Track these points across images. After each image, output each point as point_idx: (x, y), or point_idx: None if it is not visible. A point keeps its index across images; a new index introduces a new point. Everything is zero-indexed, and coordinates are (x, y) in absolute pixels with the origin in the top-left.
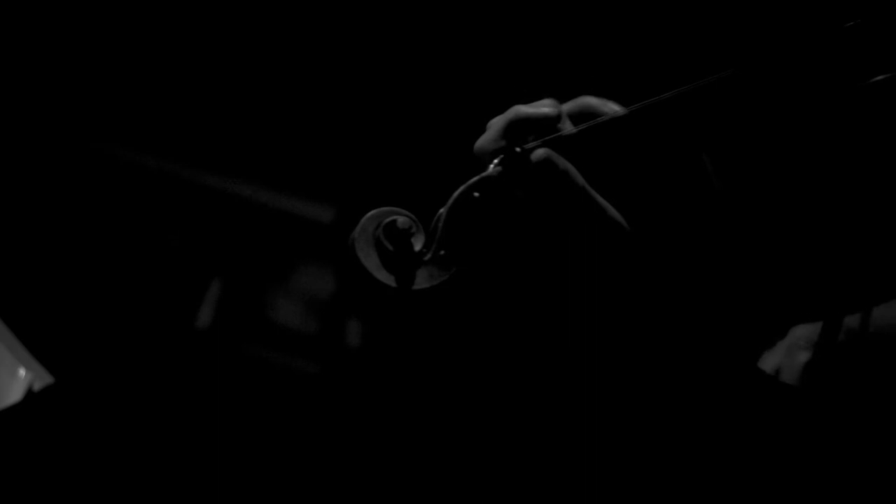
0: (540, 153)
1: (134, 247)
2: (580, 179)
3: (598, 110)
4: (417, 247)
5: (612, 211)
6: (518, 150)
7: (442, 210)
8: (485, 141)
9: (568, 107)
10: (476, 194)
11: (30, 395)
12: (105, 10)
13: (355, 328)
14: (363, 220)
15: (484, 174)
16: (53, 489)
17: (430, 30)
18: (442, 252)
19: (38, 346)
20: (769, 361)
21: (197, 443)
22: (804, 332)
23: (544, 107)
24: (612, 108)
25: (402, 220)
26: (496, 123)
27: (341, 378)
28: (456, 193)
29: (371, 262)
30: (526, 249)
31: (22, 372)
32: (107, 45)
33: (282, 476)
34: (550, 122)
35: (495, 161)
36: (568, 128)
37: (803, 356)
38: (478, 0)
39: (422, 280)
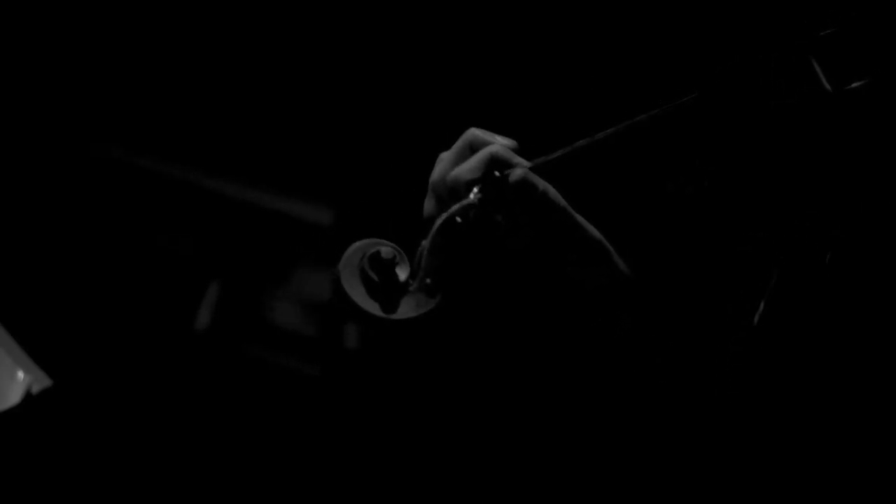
0: (518, 174)
1: (132, 249)
2: (560, 199)
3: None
4: (402, 276)
5: (593, 230)
6: (497, 174)
7: (425, 240)
8: (463, 171)
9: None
10: (458, 220)
11: (28, 397)
12: (105, 10)
13: (354, 330)
14: (347, 251)
15: (465, 202)
16: (52, 491)
17: (429, 30)
18: (427, 280)
19: (36, 349)
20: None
21: (196, 444)
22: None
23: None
24: (500, 140)
25: (385, 251)
26: (475, 158)
27: (341, 379)
28: (438, 221)
29: (357, 293)
30: (508, 271)
31: (20, 375)
32: (107, 45)
33: (281, 477)
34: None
35: (475, 189)
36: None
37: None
38: (477, 3)
39: (408, 309)
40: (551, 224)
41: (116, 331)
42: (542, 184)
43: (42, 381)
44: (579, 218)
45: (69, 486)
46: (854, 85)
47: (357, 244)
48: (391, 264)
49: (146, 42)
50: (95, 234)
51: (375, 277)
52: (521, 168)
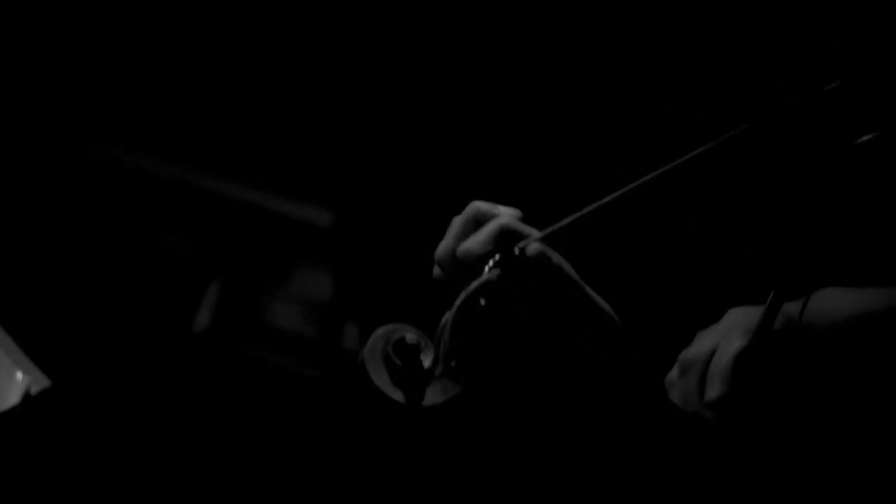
0: (535, 248)
1: (131, 249)
2: (573, 273)
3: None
4: (427, 363)
5: (602, 303)
6: (517, 250)
7: (446, 317)
8: (474, 245)
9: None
10: (482, 301)
11: (27, 398)
12: (105, 10)
13: (354, 331)
14: (372, 338)
15: (484, 279)
16: (51, 492)
17: (428, 31)
18: (452, 363)
19: (35, 350)
20: (703, 342)
21: (195, 445)
22: (742, 317)
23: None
24: (503, 210)
25: (410, 337)
26: (485, 231)
27: (340, 380)
28: (458, 302)
29: (382, 380)
30: (521, 343)
31: (19, 375)
32: (107, 45)
33: (281, 478)
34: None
35: (490, 263)
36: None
37: (738, 342)
38: (477, 5)
39: (434, 396)
40: (564, 297)
41: (116, 331)
42: (556, 257)
43: (41, 382)
44: (590, 290)
45: (69, 486)
46: (863, 139)
47: (381, 330)
48: (416, 350)
49: (146, 42)
50: (95, 234)
51: (400, 364)
52: (536, 242)
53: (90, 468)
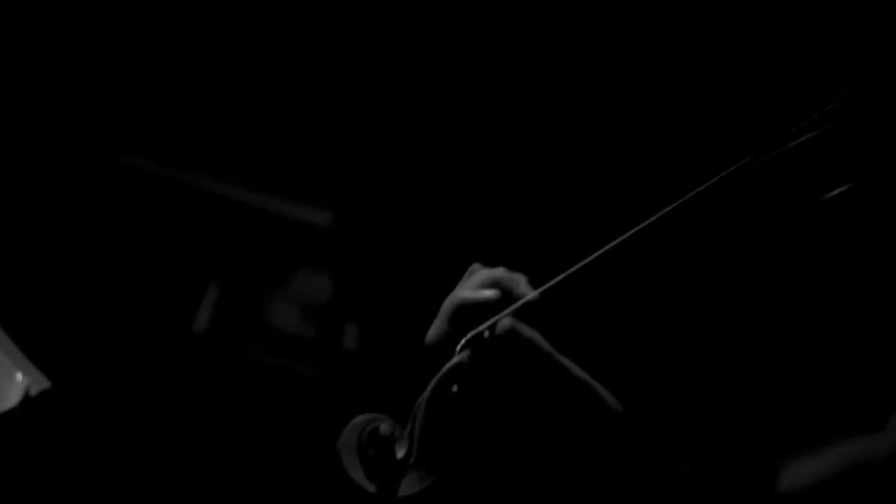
0: (505, 324)
1: (131, 250)
2: (546, 345)
3: (506, 284)
4: (401, 453)
5: (579, 372)
6: (486, 331)
7: (418, 404)
8: (435, 333)
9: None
10: (454, 388)
11: (26, 399)
12: (105, 10)
13: (353, 331)
14: (347, 428)
15: (453, 362)
16: (50, 493)
17: (428, 32)
18: (426, 453)
19: (34, 350)
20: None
21: (194, 446)
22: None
23: (486, 292)
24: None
25: (384, 427)
26: (440, 315)
27: (339, 381)
28: (429, 388)
29: (357, 472)
30: (498, 425)
31: (19, 376)
32: (107, 45)
33: (280, 478)
34: (493, 304)
35: (459, 345)
36: (524, 291)
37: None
38: (476, 5)
39: (409, 486)
40: (537, 371)
41: (115, 332)
42: (527, 331)
43: (40, 383)
44: (564, 361)
45: (68, 487)
46: (834, 193)
47: (356, 420)
48: (390, 441)
49: (146, 42)
50: (95, 235)
51: (374, 454)
52: (506, 318)
53: (90, 468)
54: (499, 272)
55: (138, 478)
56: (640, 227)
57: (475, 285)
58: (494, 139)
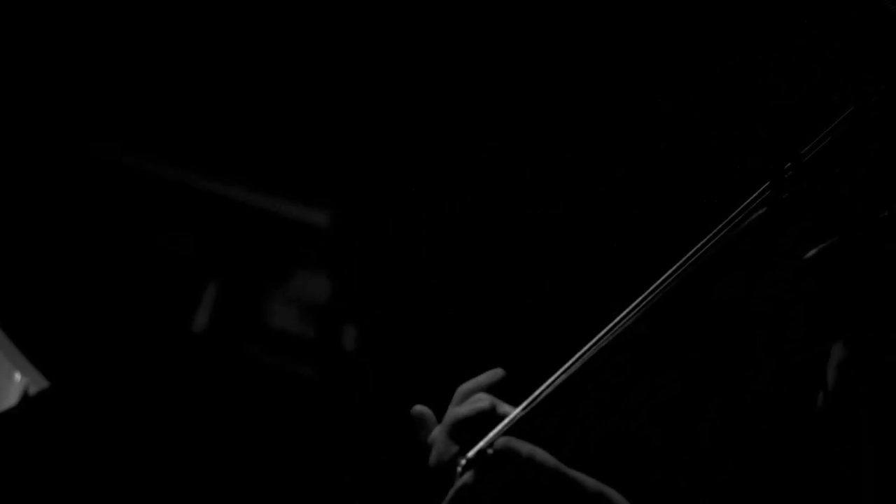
0: (500, 443)
1: (130, 250)
2: (549, 459)
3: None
4: None
5: (589, 482)
6: (489, 449)
7: None
8: (437, 455)
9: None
10: None
11: (25, 399)
12: (105, 10)
13: (353, 332)
14: None
15: (459, 485)
16: (49, 493)
17: (427, 32)
18: None
19: (33, 350)
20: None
21: (193, 446)
22: None
23: (479, 401)
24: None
25: None
26: (438, 438)
27: (339, 381)
28: None
29: None
30: None
31: (17, 376)
32: (107, 45)
33: (279, 479)
34: (488, 413)
35: (460, 466)
36: (507, 410)
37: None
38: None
39: None
40: (544, 488)
41: (114, 331)
42: (526, 448)
43: (39, 383)
44: (572, 473)
45: (67, 487)
46: (812, 253)
47: None
48: None
49: (146, 42)
50: (95, 234)
51: None
52: (503, 437)
53: (89, 468)
54: (482, 381)
55: (138, 478)
56: (622, 323)
57: (464, 399)
58: (494, 139)
